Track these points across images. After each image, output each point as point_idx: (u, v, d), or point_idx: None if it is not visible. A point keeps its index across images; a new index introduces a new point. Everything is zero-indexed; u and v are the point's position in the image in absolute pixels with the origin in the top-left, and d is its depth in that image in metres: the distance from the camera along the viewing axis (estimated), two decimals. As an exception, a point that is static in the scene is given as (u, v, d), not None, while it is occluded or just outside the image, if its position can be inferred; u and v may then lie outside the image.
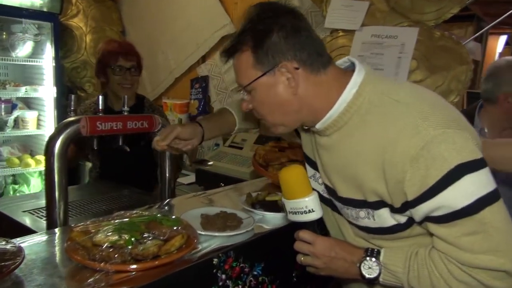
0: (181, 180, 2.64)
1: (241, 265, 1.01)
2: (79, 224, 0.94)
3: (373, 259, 0.86)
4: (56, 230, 1.11)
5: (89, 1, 3.57)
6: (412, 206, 0.80)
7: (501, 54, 6.16)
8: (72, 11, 3.50)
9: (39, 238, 1.00)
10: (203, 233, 1.03)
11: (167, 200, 1.41)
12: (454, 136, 0.77)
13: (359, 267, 0.86)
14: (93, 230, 0.90)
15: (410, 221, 0.85)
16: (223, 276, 0.96)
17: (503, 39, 6.03)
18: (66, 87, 3.37)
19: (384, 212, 0.87)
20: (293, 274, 1.22)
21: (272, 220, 1.21)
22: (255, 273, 1.06)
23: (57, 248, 0.96)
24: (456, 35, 4.31)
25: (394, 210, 0.85)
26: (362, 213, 0.91)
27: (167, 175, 1.50)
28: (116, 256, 0.82)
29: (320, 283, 1.31)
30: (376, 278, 0.85)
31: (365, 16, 2.18)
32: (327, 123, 0.91)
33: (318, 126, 0.93)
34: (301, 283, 1.25)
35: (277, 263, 1.15)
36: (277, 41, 0.86)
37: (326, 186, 1.01)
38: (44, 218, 1.28)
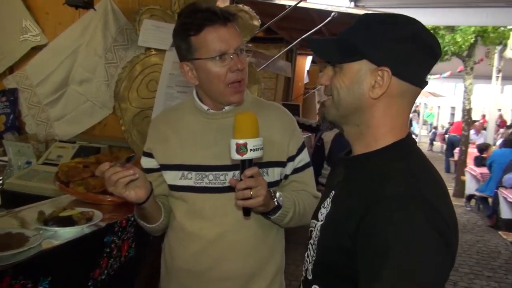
0: (-17, 204, 2.38)
1: (22, 282, 1.04)
2: None
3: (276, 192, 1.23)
4: None
5: None
6: (292, 159, 1.31)
7: (308, 72, 7.31)
8: None
9: None
10: (-23, 256, 1.02)
11: None
12: None
13: (273, 197, 1.19)
14: None
15: (282, 177, 1.32)
16: (0, 296, 0.98)
17: (309, 59, 7.16)
18: None
19: (275, 170, 1.29)
20: (89, 284, 1.29)
21: (64, 234, 1.26)
22: (41, 288, 1.10)
23: None
24: (269, 54, 4.93)
25: (282, 165, 1.30)
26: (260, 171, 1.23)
27: None
28: None
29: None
30: (281, 206, 1.20)
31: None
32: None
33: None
34: (98, 291, 1.33)
35: (68, 275, 1.21)
36: None
37: (228, 166, 1.24)
38: None
